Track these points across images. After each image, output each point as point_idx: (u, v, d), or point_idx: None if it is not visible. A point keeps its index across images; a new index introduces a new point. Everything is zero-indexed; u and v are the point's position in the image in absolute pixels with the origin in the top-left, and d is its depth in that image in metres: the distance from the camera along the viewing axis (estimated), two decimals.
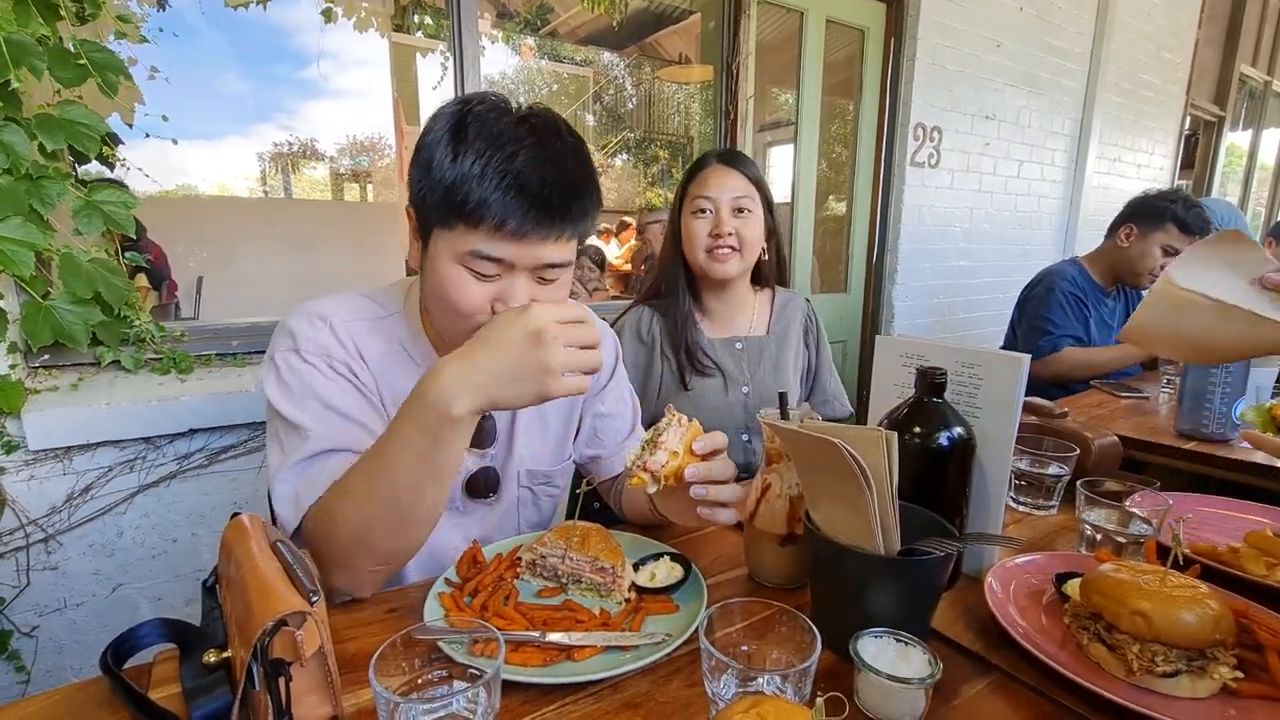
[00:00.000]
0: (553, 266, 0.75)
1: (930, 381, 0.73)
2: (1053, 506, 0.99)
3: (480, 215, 0.69)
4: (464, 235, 0.71)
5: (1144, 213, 2.03)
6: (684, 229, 1.32)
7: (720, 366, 1.36)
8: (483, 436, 0.91)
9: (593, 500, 1.17)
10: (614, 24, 6.47)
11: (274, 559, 0.58)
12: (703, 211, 1.29)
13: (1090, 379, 1.97)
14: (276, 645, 0.49)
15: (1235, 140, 5.52)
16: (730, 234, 1.27)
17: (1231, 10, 4.91)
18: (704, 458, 0.74)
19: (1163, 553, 0.75)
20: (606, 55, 8.74)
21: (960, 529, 0.75)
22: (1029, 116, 3.52)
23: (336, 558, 0.72)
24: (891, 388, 0.85)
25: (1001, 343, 2.44)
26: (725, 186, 1.28)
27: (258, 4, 3.37)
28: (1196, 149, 5.25)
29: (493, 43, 5.63)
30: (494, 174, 0.68)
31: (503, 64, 8.62)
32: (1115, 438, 1.10)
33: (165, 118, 1.70)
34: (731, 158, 1.31)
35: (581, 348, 0.67)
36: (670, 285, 1.35)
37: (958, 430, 0.73)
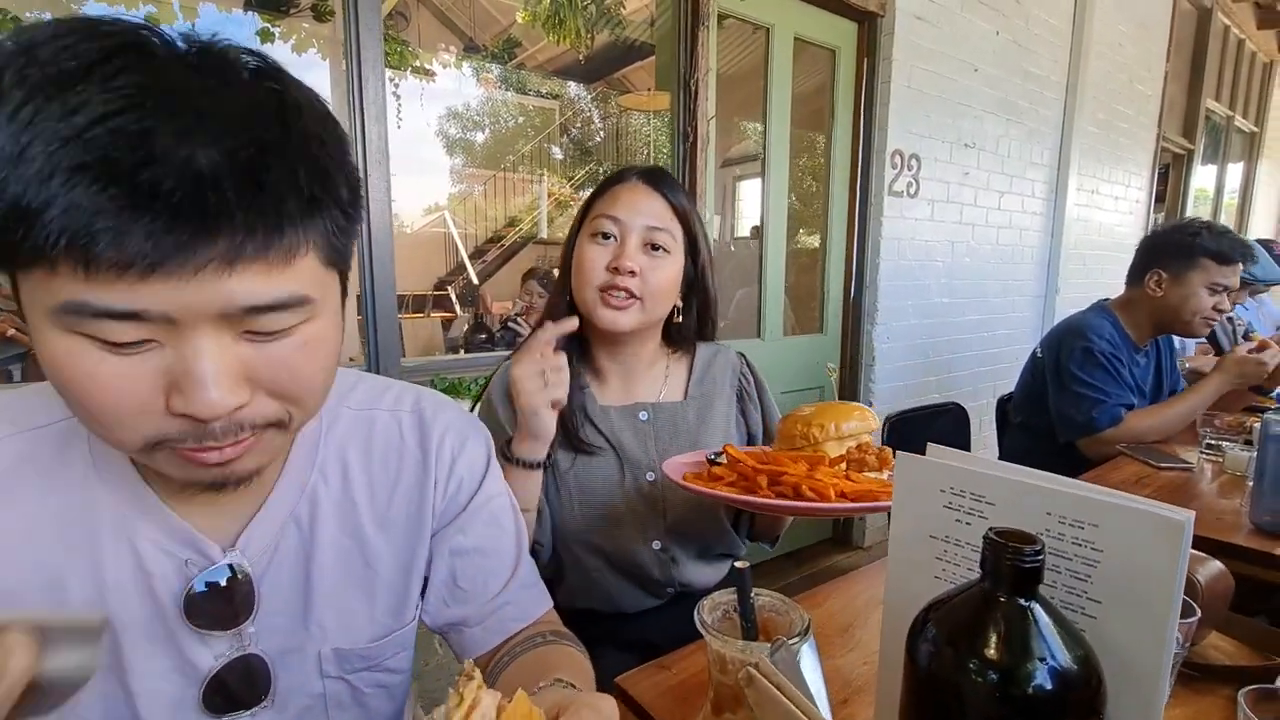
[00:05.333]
0: (262, 311, 0.40)
1: (1014, 568, 0.39)
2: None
3: (32, 230, 0.33)
4: (47, 281, 0.36)
5: (1168, 253, 1.72)
6: (576, 256, 0.97)
7: (614, 442, 0.97)
8: (230, 608, 0.53)
9: None
10: (580, 58, 6.31)
11: None
12: (604, 237, 0.95)
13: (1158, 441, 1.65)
14: None
15: (1200, 172, 5.47)
16: (632, 272, 0.92)
17: (1195, 45, 4.89)
18: None
19: None
20: (573, 87, 8.61)
21: None
22: (1008, 145, 3.32)
23: None
24: (925, 541, 0.51)
25: (1001, 394, 2.14)
26: (639, 209, 0.95)
27: (184, 22, 3.05)
28: (1168, 182, 5.19)
29: (444, 68, 5.38)
30: (39, 146, 0.33)
31: (466, 95, 8.44)
32: (1222, 567, 0.77)
33: None
34: (656, 177, 0.99)
35: None
36: None
37: (1070, 657, 0.39)
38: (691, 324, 1.05)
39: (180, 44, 0.38)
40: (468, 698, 0.34)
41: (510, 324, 3.03)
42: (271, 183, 0.37)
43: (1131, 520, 0.40)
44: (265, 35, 3.28)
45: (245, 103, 0.37)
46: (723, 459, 0.85)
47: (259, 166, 0.36)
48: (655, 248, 0.95)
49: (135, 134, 0.33)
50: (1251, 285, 2.74)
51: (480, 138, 10.56)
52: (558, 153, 9.37)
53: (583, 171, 9.08)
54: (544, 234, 8.30)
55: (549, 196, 8.94)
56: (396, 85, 5.22)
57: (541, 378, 0.83)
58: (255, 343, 0.41)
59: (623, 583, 0.99)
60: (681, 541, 1.00)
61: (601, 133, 9.34)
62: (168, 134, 0.34)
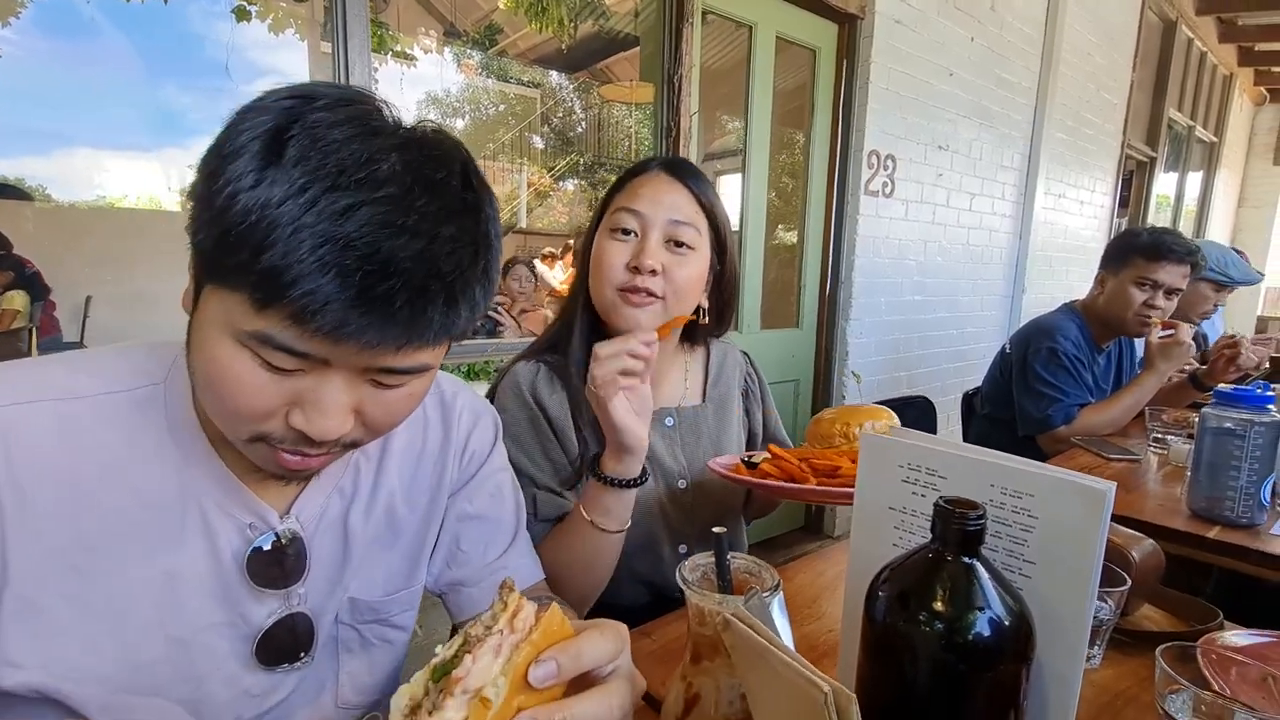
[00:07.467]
0: (397, 373, 0.47)
1: (960, 531, 0.44)
2: (1094, 657, 0.72)
3: (276, 291, 0.40)
4: (249, 309, 0.42)
5: (1111, 255, 1.85)
6: (595, 253, 0.91)
7: (648, 452, 0.92)
8: (283, 569, 0.58)
9: None
10: (563, 47, 6.28)
11: None
12: (624, 233, 0.89)
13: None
14: None
15: (1161, 179, 5.68)
16: (654, 271, 0.86)
17: (1159, 56, 5.06)
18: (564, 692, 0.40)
19: None
20: (555, 76, 8.55)
21: None
22: (980, 149, 3.42)
23: None
24: (885, 512, 0.56)
25: (968, 389, 2.23)
26: (663, 203, 0.89)
27: None
28: (1131, 188, 5.37)
29: (425, 53, 5.32)
30: (310, 233, 0.40)
31: (446, 81, 8.33)
32: (1154, 544, 0.84)
33: None
34: (680, 168, 0.93)
35: None
36: (569, 335, 0.95)
37: (1005, 608, 0.44)
38: (713, 323, 1.01)
39: (405, 128, 0.46)
40: (511, 603, 0.39)
41: (490, 313, 3.05)
42: (462, 302, 0.46)
43: (1061, 490, 0.46)
44: (241, 14, 3.20)
45: (456, 228, 0.45)
46: (755, 460, 0.91)
47: (458, 292, 0.45)
48: (679, 244, 0.89)
49: (387, 251, 0.41)
50: (1229, 287, 2.83)
51: (460, 124, 10.42)
52: (538, 142, 9.32)
53: (563, 162, 9.04)
54: (524, 223, 8.26)
55: (529, 186, 8.90)
56: (376, 69, 5.15)
57: (616, 384, 0.75)
58: (376, 387, 0.48)
59: (639, 588, 0.97)
60: (707, 547, 1.00)
61: (583, 123, 9.31)
62: (407, 256, 0.42)
